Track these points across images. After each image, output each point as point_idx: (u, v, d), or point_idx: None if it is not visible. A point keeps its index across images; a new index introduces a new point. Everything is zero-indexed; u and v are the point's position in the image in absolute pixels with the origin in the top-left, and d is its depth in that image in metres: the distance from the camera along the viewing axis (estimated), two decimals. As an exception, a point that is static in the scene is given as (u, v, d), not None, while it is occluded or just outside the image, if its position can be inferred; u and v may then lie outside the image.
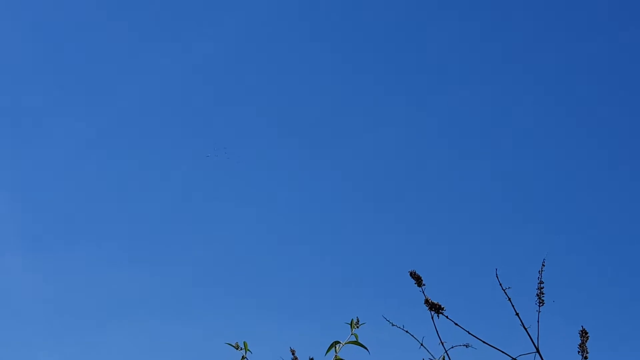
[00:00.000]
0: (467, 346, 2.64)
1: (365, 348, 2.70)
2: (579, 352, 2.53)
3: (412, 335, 2.69)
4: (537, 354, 2.60)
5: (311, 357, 2.65)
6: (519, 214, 10.02)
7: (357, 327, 2.72)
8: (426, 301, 2.60)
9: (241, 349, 2.76)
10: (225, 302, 9.32)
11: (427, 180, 10.49)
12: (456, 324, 2.61)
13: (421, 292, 2.61)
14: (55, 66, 10.81)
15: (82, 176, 10.55)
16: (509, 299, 2.60)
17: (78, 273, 9.86)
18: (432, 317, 2.61)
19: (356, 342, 2.71)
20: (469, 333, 2.61)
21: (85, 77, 10.68)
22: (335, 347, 2.70)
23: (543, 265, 2.58)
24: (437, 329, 2.62)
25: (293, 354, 2.64)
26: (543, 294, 2.58)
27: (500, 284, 2.59)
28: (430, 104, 10.69)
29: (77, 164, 10.72)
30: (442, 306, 2.59)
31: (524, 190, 10.32)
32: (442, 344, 2.64)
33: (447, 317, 2.60)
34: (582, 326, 2.55)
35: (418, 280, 2.61)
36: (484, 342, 2.61)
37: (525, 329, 2.60)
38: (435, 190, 10.40)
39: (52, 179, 10.70)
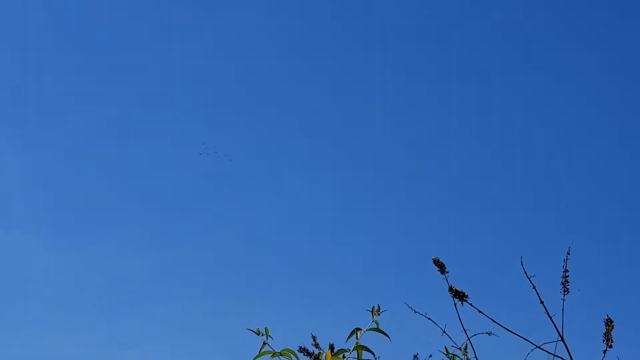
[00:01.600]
0: (490, 334, 2.62)
1: (387, 335, 2.69)
2: (603, 340, 2.51)
3: (435, 323, 2.68)
4: (562, 342, 2.57)
5: (332, 343, 2.64)
6: (545, 202, 9.98)
7: (379, 314, 2.71)
8: (450, 288, 2.58)
9: (262, 335, 2.75)
10: (247, 288, 9.34)
11: (449, 169, 10.45)
12: (480, 312, 2.59)
13: (444, 280, 2.59)
14: (74, 54, 10.84)
15: (104, 160, 10.58)
16: (534, 287, 2.58)
17: (98, 256, 9.90)
18: (455, 305, 2.59)
19: (377, 329, 2.69)
20: (493, 321, 2.60)
21: (105, 63, 10.70)
22: (357, 334, 2.68)
23: (568, 253, 2.56)
24: (460, 317, 2.60)
25: (314, 340, 2.63)
26: (568, 282, 2.55)
27: (525, 272, 2.57)
28: (450, 96, 10.65)
29: (99, 148, 10.74)
30: (466, 294, 2.57)
31: (550, 178, 10.27)
32: (465, 332, 2.62)
33: (471, 304, 2.58)
34: (607, 315, 2.52)
35: (441, 268, 2.60)
36: (508, 330, 2.59)
37: (550, 317, 2.58)
38: (459, 178, 10.36)
39: (74, 163, 10.74)
